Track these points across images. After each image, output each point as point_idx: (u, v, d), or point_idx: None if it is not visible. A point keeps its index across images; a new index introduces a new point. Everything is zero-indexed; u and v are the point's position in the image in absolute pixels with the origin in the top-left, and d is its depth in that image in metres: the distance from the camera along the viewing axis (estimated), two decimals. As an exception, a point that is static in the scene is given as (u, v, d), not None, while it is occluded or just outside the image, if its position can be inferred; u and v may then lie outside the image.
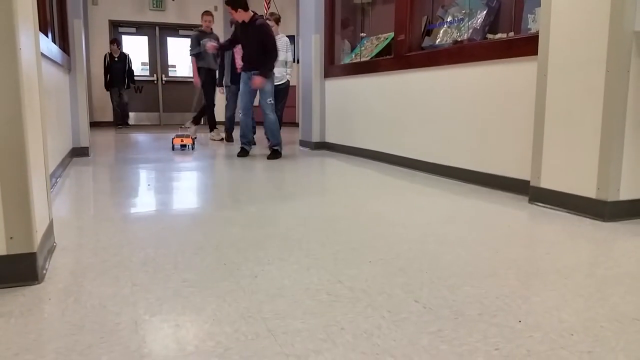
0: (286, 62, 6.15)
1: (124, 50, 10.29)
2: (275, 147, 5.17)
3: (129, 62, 10.08)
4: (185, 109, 11.40)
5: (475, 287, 1.60)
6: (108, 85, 9.97)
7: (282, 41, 6.00)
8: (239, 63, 6.06)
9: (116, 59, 9.87)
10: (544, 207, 2.81)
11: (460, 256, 1.93)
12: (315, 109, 6.03)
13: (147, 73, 11.13)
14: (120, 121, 10.10)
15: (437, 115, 3.97)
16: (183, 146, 5.89)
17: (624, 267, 1.84)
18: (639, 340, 1.26)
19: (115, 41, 10.00)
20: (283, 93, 6.17)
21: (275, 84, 5.91)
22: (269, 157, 5.09)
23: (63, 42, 4.80)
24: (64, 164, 4.09)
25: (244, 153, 5.30)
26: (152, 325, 1.31)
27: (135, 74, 10.32)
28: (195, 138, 7.29)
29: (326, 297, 1.51)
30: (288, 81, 6.24)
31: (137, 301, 1.47)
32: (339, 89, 5.65)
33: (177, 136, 5.94)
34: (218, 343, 1.22)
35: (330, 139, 5.96)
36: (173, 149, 5.86)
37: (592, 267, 1.84)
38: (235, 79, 6.36)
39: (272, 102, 5.04)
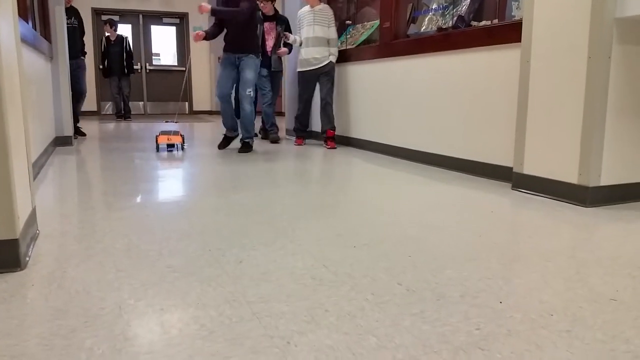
0: (328, 41, 5.03)
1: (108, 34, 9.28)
2: (247, 140, 4.71)
3: (127, 45, 9.21)
4: (170, 98, 11.31)
5: (458, 270, 1.62)
6: (106, 73, 9.15)
7: (323, 14, 5.02)
8: (269, 45, 5.59)
9: (112, 43, 9.02)
10: (527, 193, 2.85)
11: (443, 241, 1.95)
12: (301, 97, 6.01)
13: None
14: (119, 113, 9.29)
15: (422, 103, 3.98)
16: (170, 146, 4.78)
17: (604, 250, 1.87)
18: (615, 319, 1.29)
19: (110, 22, 9.03)
20: (328, 77, 5.06)
21: (315, 67, 5.04)
22: (240, 151, 4.65)
23: (44, 29, 4.72)
24: (47, 153, 4.05)
25: (226, 141, 4.89)
26: (137, 309, 1.31)
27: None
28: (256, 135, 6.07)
29: (311, 281, 1.52)
30: (332, 63, 5.05)
31: (121, 286, 1.47)
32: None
33: (162, 133, 4.86)
34: (202, 326, 1.22)
35: (316, 127, 5.95)
36: (158, 149, 4.74)
37: (573, 250, 1.87)
38: (264, 62, 5.44)
39: (252, 93, 4.59)
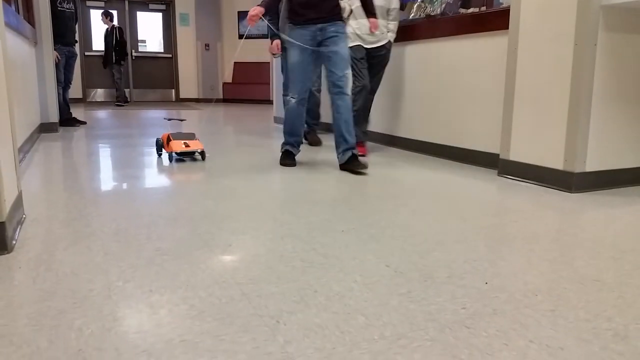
0: (388, 11, 3.70)
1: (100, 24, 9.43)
2: (355, 151, 3.12)
3: (118, 35, 9.35)
4: (157, 85, 11.20)
5: (445, 253, 1.64)
6: (104, 62, 9.46)
7: None
8: None
9: (108, 33, 9.27)
10: (513, 179, 2.88)
11: (430, 225, 1.97)
12: (290, 85, 5.98)
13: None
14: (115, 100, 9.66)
15: (410, 90, 3.99)
16: (186, 154, 3.43)
17: (588, 234, 1.90)
18: (599, 299, 1.32)
19: (106, 13, 9.18)
20: (381, 61, 3.81)
21: (370, 46, 3.71)
22: (356, 170, 3.05)
23: (28, 13, 4.64)
24: (32, 139, 4.00)
25: (290, 158, 3.32)
26: (125, 291, 1.31)
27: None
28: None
29: (300, 264, 1.53)
30: (390, 42, 3.78)
31: (109, 269, 1.46)
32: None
33: (175, 137, 3.42)
34: (192, 306, 1.23)
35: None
36: (170, 159, 3.39)
37: (558, 234, 1.90)
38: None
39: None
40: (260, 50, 10.66)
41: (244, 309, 1.21)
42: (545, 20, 2.65)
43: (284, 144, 3.36)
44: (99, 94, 10.81)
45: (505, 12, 2.95)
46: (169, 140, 3.41)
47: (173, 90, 11.37)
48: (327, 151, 3.99)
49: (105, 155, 3.63)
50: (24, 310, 1.20)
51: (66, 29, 5.43)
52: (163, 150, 3.52)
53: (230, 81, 11.38)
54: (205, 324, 1.14)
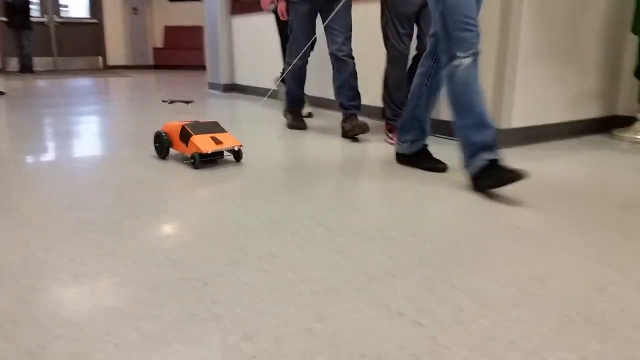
0: None
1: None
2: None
3: None
4: (82, 52, 10.62)
5: (375, 209, 1.67)
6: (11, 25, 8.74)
7: None
8: None
9: None
10: (441, 137, 2.95)
11: (361, 185, 2.00)
12: (223, 49, 5.82)
13: (38, 14, 10.14)
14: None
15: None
16: (216, 155, 2.31)
17: (511, 186, 1.98)
18: (517, 243, 1.38)
19: None
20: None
21: None
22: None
23: None
24: (-58, 111, 3.70)
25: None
26: (46, 262, 1.25)
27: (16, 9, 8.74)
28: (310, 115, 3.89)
29: (233, 227, 1.51)
30: None
31: (29, 240, 1.39)
32: (247, 27, 5.47)
33: (196, 128, 2.29)
34: (115, 274, 1.19)
35: (240, 80, 5.82)
36: (196, 165, 2.22)
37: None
38: None
39: None
40: (193, 14, 10.30)
41: (171, 274, 1.19)
42: (472, -22, 2.67)
43: (474, 147, 1.98)
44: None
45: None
46: (186, 134, 2.28)
47: (100, 57, 10.82)
48: (259, 117, 3.93)
49: (28, 126, 3.42)
50: None
51: None
52: (170, 150, 2.41)
53: (162, 46, 10.96)
54: (130, 290, 1.11)
